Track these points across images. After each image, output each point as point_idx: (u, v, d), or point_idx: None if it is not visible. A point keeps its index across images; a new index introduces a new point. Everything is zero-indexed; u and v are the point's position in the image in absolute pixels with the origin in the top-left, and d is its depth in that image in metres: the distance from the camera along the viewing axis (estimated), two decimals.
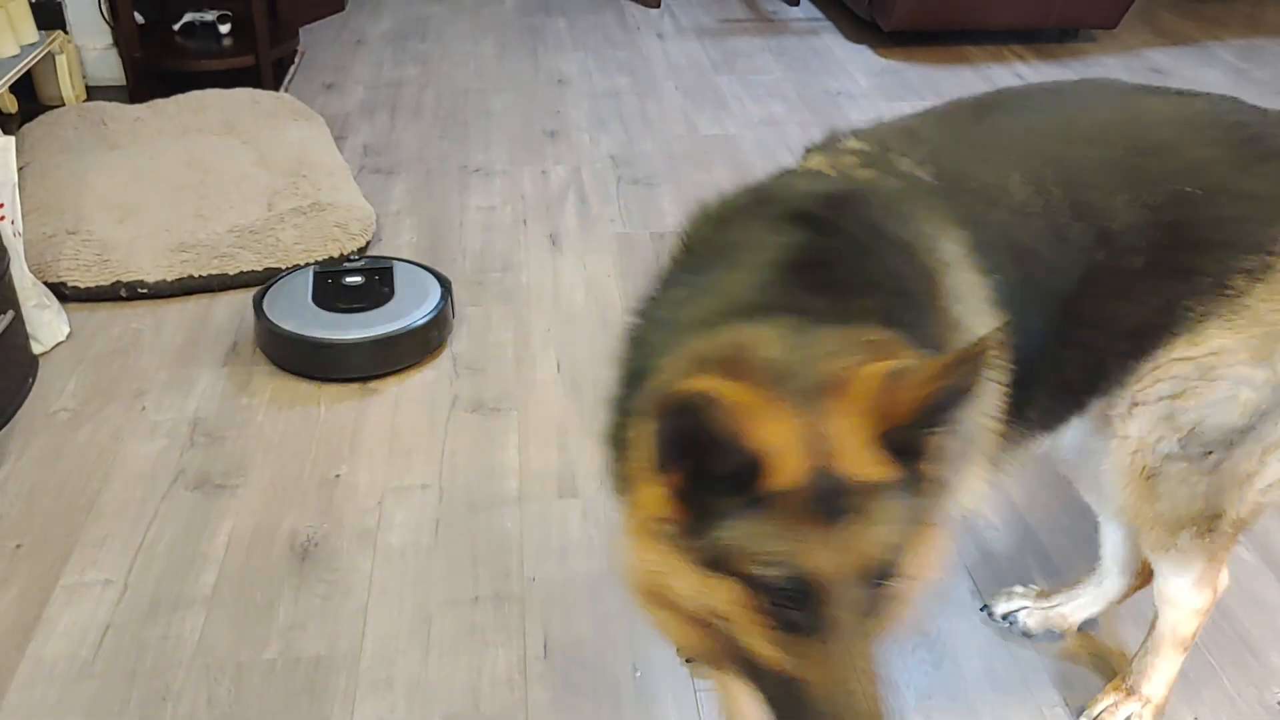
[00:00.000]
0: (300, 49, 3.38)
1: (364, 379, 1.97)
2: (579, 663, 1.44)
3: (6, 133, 2.10)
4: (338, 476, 1.76)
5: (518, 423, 1.89)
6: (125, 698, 1.38)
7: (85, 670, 1.41)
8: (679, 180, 2.72)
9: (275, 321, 2.00)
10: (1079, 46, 3.70)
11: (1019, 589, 1.53)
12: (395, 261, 2.18)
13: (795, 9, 3.96)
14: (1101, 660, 1.48)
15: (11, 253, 1.90)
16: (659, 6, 3.94)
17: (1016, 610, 1.50)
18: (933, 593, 0.91)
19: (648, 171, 2.77)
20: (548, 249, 2.42)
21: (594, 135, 2.96)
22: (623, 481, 0.97)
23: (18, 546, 1.60)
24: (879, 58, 3.54)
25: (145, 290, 2.16)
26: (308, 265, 2.18)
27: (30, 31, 2.75)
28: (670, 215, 2.55)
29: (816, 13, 3.94)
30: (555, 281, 2.30)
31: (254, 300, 2.07)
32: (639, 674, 1.42)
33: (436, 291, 2.10)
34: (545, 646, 1.47)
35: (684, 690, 1.40)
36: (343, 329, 1.99)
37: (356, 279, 2.11)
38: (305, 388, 1.95)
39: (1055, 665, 1.47)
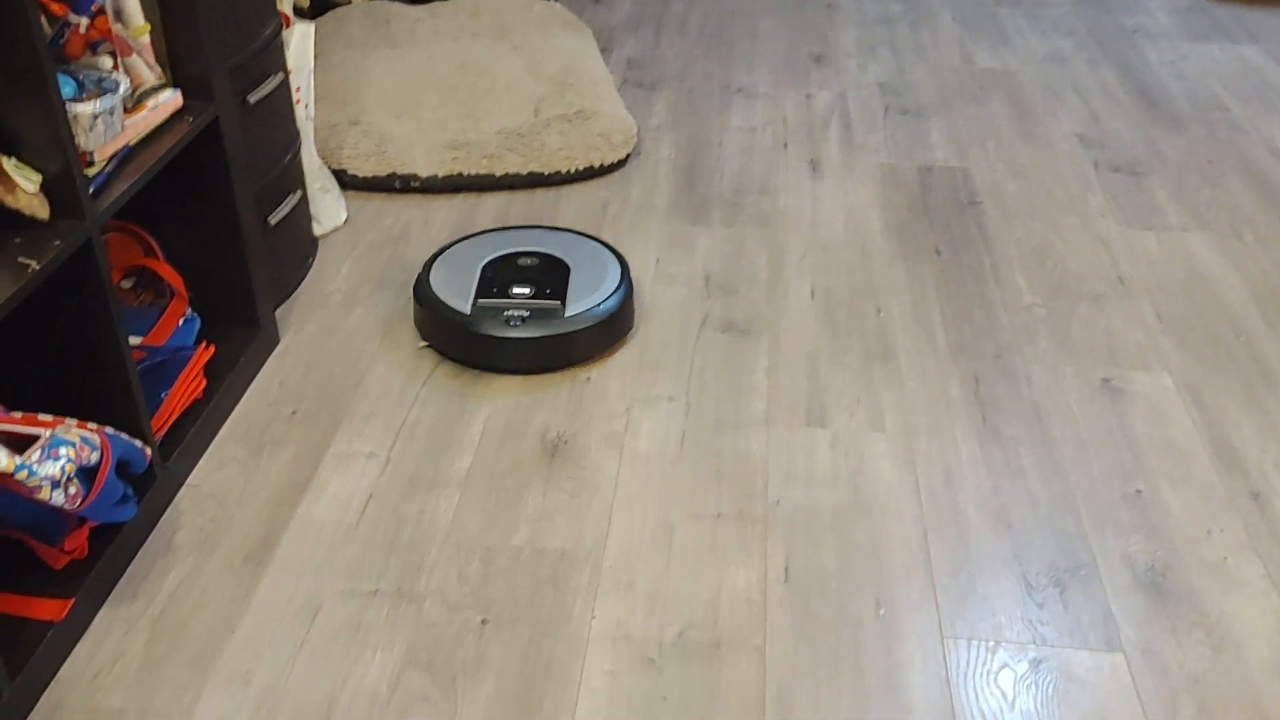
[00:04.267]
0: None
1: None
2: (820, 593, 1.40)
3: None
4: (588, 380, 1.78)
5: (768, 346, 1.86)
6: (384, 564, 1.44)
7: (349, 534, 1.49)
8: (950, 113, 2.59)
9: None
10: None
11: None
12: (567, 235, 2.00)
13: None
14: None
15: (303, 136, 2.00)
16: None
17: None
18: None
19: (917, 102, 2.64)
20: (808, 174, 2.35)
21: (862, 62, 2.85)
22: None
23: (294, 413, 1.70)
24: None
25: (417, 184, 2.24)
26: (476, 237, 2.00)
27: None
28: (940, 149, 2.43)
29: None
30: (814, 208, 2.23)
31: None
32: (883, 612, 1.37)
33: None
34: (786, 571, 1.44)
35: (930, 636, 1.34)
36: None
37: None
38: None
39: None
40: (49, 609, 1.28)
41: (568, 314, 1.79)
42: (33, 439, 1.20)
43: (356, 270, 2.03)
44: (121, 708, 1.25)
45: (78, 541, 1.33)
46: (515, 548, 1.47)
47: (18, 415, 1.24)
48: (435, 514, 1.52)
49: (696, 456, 1.63)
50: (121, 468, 1.33)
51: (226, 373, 1.68)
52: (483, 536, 1.49)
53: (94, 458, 1.25)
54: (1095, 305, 1.96)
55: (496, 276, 1.87)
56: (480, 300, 1.81)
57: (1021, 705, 1.26)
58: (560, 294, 1.83)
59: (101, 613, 1.36)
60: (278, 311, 1.92)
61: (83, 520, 1.33)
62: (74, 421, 1.27)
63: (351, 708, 1.26)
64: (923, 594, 1.40)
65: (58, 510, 1.25)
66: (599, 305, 1.81)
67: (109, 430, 1.31)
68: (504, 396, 1.74)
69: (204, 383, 1.63)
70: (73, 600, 1.30)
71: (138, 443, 1.36)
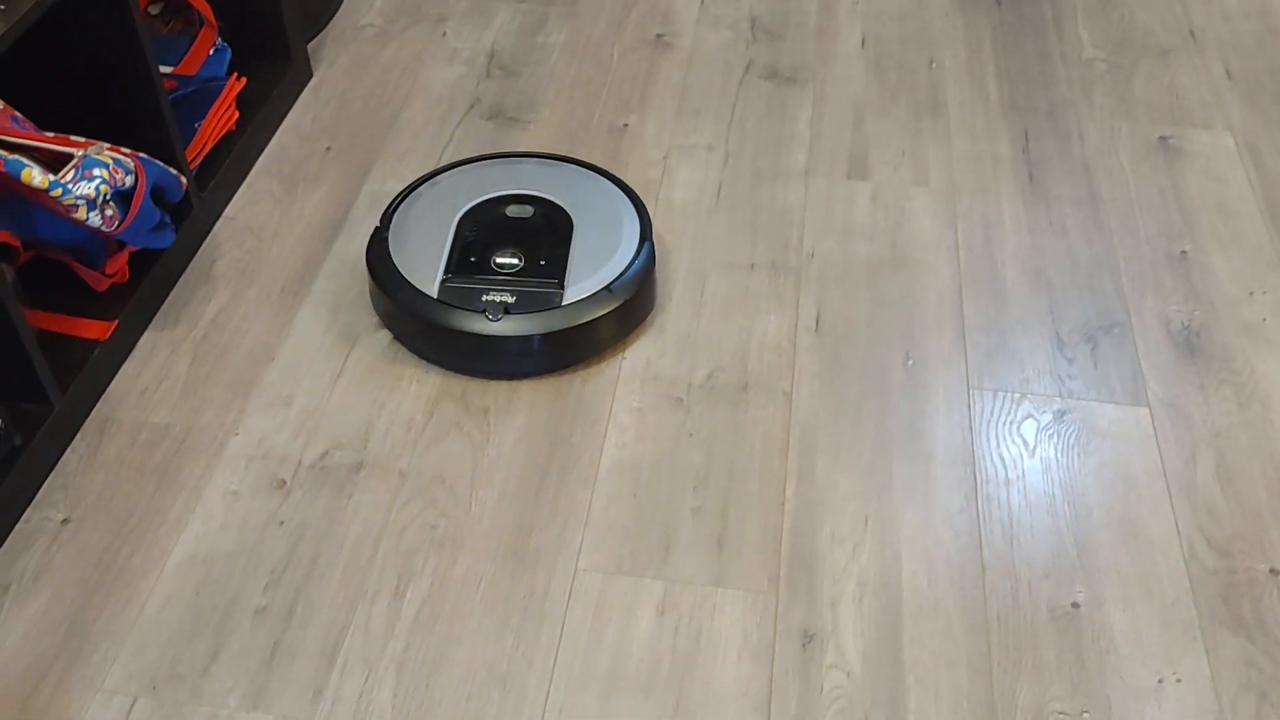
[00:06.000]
0: None
1: (659, 35, 1.90)
2: (850, 342, 1.41)
3: None
4: (625, 126, 1.74)
5: (812, 96, 1.79)
6: None
7: None
8: None
9: None
10: None
11: None
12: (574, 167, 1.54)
13: None
14: None
15: None
16: None
17: None
18: None
19: None
20: None
21: None
22: None
23: (328, 149, 1.69)
24: None
25: None
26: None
27: None
28: None
29: None
30: None
31: None
32: (910, 363, 1.38)
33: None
34: (817, 321, 1.44)
35: (957, 387, 1.35)
36: None
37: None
38: (601, 32, 1.90)
39: None
40: (94, 329, 1.32)
41: (568, 298, 1.34)
42: (66, 158, 1.19)
43: (390, 4, 1.96)
44: (168, 424, 1.30)
45: (118, 265, 1.35)
46: None
47: (50, 135, 1.23)
48: None
49: (733, 206, 1.60)
50: (157, 194, 1.34)
51: (259, 106, 1.66)
52: None
53: (128, 181, 1.25)
54: (1161, 60, 1.86)
55: (477, 237, 1.41)
56: (451, 276, 1.36)
57: (1041, 453, 1.28)
58: (559, 267, 1.37)
59: (146, 335, 1.40)
60: (310, 46, 1.87)
61: (121, 244, 1.35)
62: (106, 145, 1.27)
63: (389, 433, 1.30)
64: (952, 347, 1.40)
65: (96, 232, 1.27)
66: (611, 284, 1.36)
67: (143, 156, 1.30)
68: (540, 140, 1.71)
69: (236, 115, 1.60)
70: (116, 322, 1.33)
71: (173, 170, 1.36)
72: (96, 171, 1.20)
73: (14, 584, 1.15)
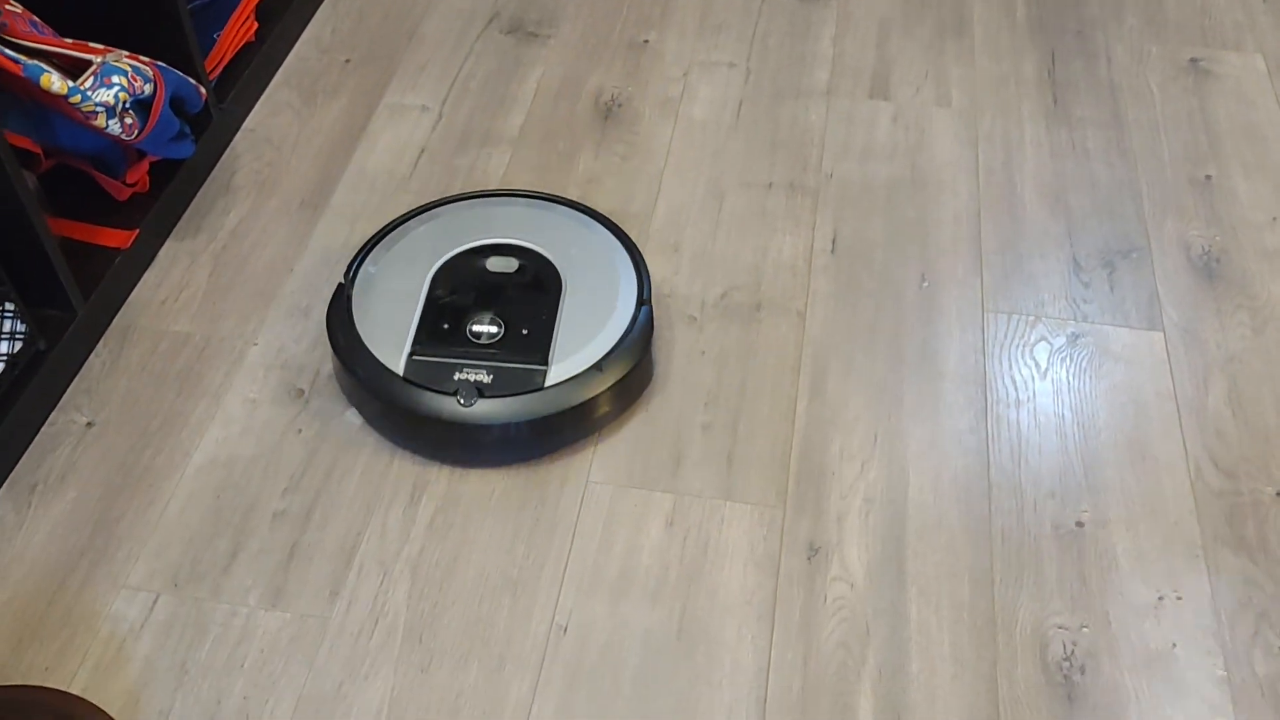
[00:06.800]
0: None
1: None
2: (865, 263, 1.41)
3: None
4: (645, 42, 1.72)
5: (836, 13, 1.77)
6: None
7: (402, 185, 1.50)
8: None
9: None
10: None
11: None
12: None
13: None
14: None
15: None
16: None
17: None
18: None
19: None
20: None
21: None
22: None
23: (347, 61, 1.68)
24: None
25: None
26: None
27: None
28: None
29: None
30: None
31: None
32: (926, 284, 1.38)
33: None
34: (833, 242, 1.44)
35: (971, 310, 1.35)
36: None
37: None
38: None
39: None
40: (116, 237, 1.34)
41: (553, 377, 1.17)
42: (85, 65, 1.20)
43: None
44: (189, 332, 1.33)
45: (139, 175, 1.36)
46: None
47: (68, 41, 1.24)
48: (487, 170, 1.53)
49: (752, 124, 1.59)
50: (177, 104, 1.34)
51: (278, 18, 1.65)
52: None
53: (147, 89, 1.25)
54: None
55: (452, 297, 1.24)
56: (420, 347, 1.19)
57: (1053, 375, 1.29)
58: (544, 338, 1.20)
59: (166, 245, 1.42)
60: None
61: (142, 154, 1.35)
62: (125, 53, 1.27)
63: None
64: (968, 270, 1.40)
65: (116, 141, 1.27)
66: (601, 361, 1.19)
67: (161, 64, 1.30)
68: (559, 55, 1.69)
69: (255, 26, 1.60)
70: (137, 231, 1.35)
71: (192, 80, 1.36)
72: (115, 79, 1.20)
73: (40, 484, 1.18)
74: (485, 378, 1.16)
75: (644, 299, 1.25)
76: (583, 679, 1.04)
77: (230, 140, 1.55)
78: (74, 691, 1.02)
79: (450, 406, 1.15)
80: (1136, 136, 1.57)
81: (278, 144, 1.55)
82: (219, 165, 1.52)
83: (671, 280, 1.39)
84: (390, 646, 1.06)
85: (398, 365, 1.18)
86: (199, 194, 1.48)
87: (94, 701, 1.00)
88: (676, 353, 1.31)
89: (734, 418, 1.24)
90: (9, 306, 1.17)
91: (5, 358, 1.17)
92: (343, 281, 1.26)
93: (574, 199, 1.39)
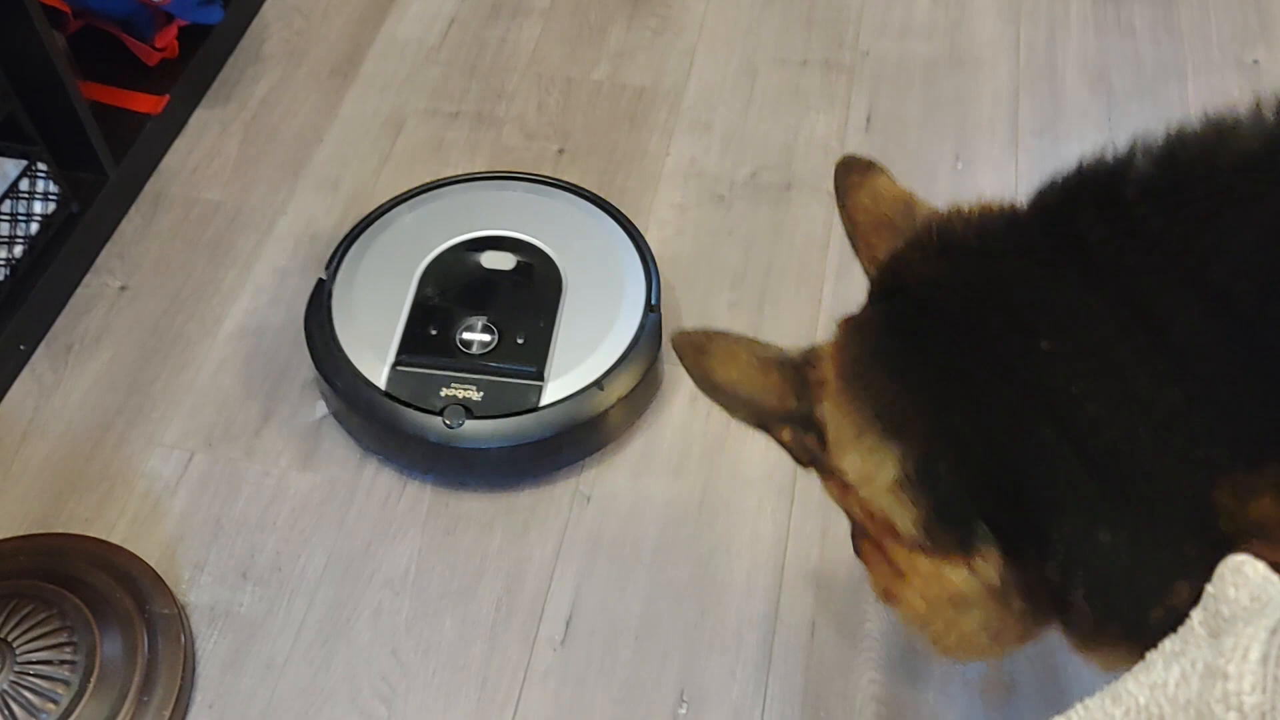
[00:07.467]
0: None
1: None
2: (899, 142, 1.39)
3: None
4: None
5: None
6: (465, 87, 1.45)
7: (431, 55, 1.49)
8: None
9: None
10: None
11: None
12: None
13: None
14: None
15: None
16: None
17: None
18: None
19: None
20: None
21: None
22: None
23: None
24: None
25: None
26: None
27: None
28: None
29: None
30: None
31: None
32: (960, 165, 1.36)
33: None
34: (868, 120, 1.41)
35: (1004, 191, 1.33)
36: None
37: None
38: None
39: None
40: (146, 102, 1.33)
41: (548, 396, 1.05)
42: None
43: None
44: (220, 200, 1.33)
45: (168, 40, 1.35)
46: (595, 82, 1.46)
47: None
48: (517, 42, 1.50)
49: (789, 1, 1.55)
50: None
51: None
52: (563, 68, 1.48)
53: None
54: None
55: (442, 298, 1.11)
56: (406, 357, 1.07)
57: None
58: (541, 348, 1.08)
59: (197, 113, 1.42)
60: None
61: (170, 17, 1.34)
62: None
63: None
64: (1004, 150, 1.38)
65: (144, 2, 1.26)
66: (602, 379, 1.06)
67: None
68: None
69: None
70: (167, 97, 1.35)
71: None
72: None
73: (76, 344, 1.20)
74: (475, 394, 1.05)
75: (652, 305, 1.12)
76: (604, 546, 1.07)
77: (260, 7, 1.53)
78: (113, 541, 1.05)
79: (436, 426, 1.03)
80: (1185, 14, 1.51)
81: (307, 13, 1.53)
82: (248, 33, 1.51)
83: (702, 159, 1.37)
84: (417, 511, 1.09)
85: (379, 377, 1.06)
86: (229, 61, 1.47)
87: (133, 551, 1.04)
88: (704, 231, 1.30)
89: (759, 297, 1.24)
90: (41, 167, 1.17)
91: (40, 218, 1.18)
92: (323, 276, 1.14)
93: (573, 187, 1.24)
